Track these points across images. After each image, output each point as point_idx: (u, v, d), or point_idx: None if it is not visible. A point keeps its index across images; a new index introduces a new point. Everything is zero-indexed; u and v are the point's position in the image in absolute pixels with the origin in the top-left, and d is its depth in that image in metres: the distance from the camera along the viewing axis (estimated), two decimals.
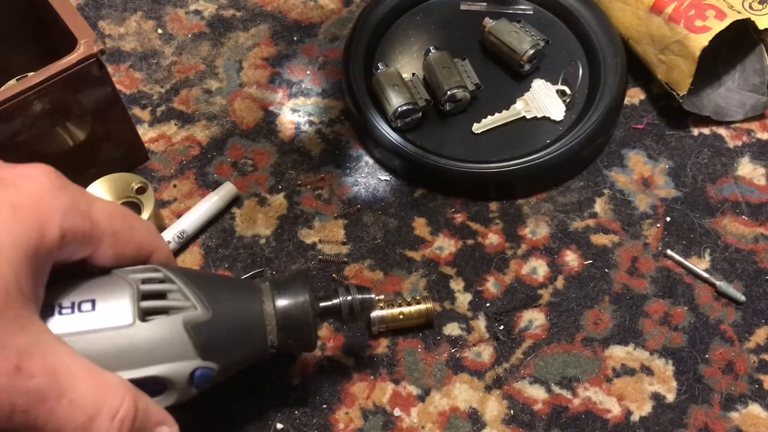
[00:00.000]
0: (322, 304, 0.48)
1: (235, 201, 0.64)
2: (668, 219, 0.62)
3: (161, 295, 0.41)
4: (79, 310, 0.39)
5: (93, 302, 0.39)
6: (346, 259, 0.60)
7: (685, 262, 0.59)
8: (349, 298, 0.48)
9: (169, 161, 0.66)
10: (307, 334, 0.46)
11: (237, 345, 0.44)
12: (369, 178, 0.65)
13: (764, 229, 0.61)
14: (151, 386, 0.40)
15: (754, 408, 0.54)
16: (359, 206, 0.63)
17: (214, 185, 0.64)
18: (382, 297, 0.50)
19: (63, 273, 0.39)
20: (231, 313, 0.43)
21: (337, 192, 0.64)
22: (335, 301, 0.48)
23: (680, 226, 0.62)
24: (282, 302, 0.45)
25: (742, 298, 0.58)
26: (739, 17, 0.62)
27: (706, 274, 0.59)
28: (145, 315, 0.40)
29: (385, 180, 0.65)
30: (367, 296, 0.48)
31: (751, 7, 0.65)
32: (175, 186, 0.65)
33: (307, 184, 0.65)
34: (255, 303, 0.45)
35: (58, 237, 0.37)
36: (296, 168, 0.65)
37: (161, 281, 0.42)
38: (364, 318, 0.49)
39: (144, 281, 0.41)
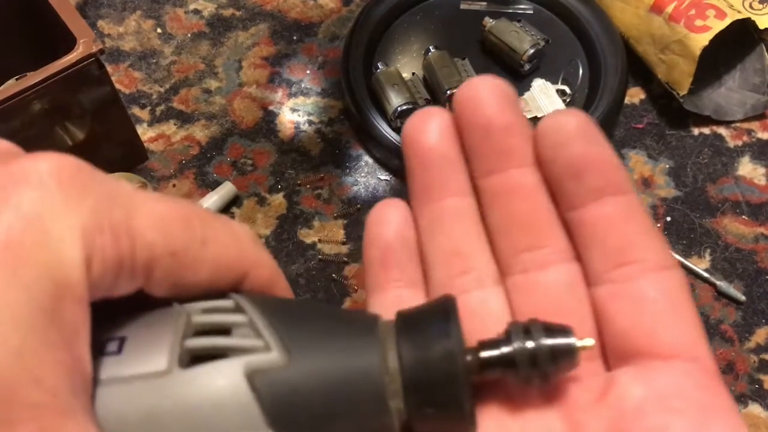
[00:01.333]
0: (483, 354, 0.27)
1: (234, 201, 0.64)
2: (668, 219, 0.62)
3: (224, 331, 0.27)
4: (101, 352, 0.26)
5: (121, 341, 0.26)
6: (346, 259, 0.60)
7: (686, 262, 0.59)
8: (530, 344, 0.27)
9: (168, 161, 0.66)
10: (454, 399, 0.27)
11: (338, 412, 0.27)
12: (369, 177, 0.65)
13: (764, 228, 0.61)
14: None
15: (754, 408, 0.54)
16: (359, 206, 0.63)
17: (214, 185, 0.64)
18: (587, 344, 0.27)
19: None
20: (325, 359, 0.27)
21: (336, 192, 0.64)
22: (505, 349, 0.27)
23: (680, 225, 0.62)
24: (412, 348, 0.27)
25: (743, 298, 0.58)
26: (740, 17, 0.62)
27: (706, 274, 0.59)
28: (192, 360, 0.26)
29: (385, 180, 0.65)
30: (562, 341, 0.27)
31: (751, 7, 0.65)
32: (174, 186, 0.65)
33: (307, 183, 0.64)
34: (367, 345, 0.27)
35: (80, 276, 0.23)
36: (296, 168, 0.65)
37: (230, 311, 0.27)
38: (555, 374, 0.28)
39: (205, 311, 0.27)
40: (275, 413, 0.26)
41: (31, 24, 0.61)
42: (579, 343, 0.27)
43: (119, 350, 0.26)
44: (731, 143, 0.66)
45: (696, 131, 0.66)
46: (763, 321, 0.57)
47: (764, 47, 0.66)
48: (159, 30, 0.74)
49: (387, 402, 0.27)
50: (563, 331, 0.28)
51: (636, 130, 0.67)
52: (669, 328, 0.26)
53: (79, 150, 0.60)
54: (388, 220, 0.31)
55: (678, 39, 0.63)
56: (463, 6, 0.72)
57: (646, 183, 0.64)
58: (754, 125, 0.67)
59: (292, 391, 0.26)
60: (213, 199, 0.62)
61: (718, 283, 0.58)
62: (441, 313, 0.28)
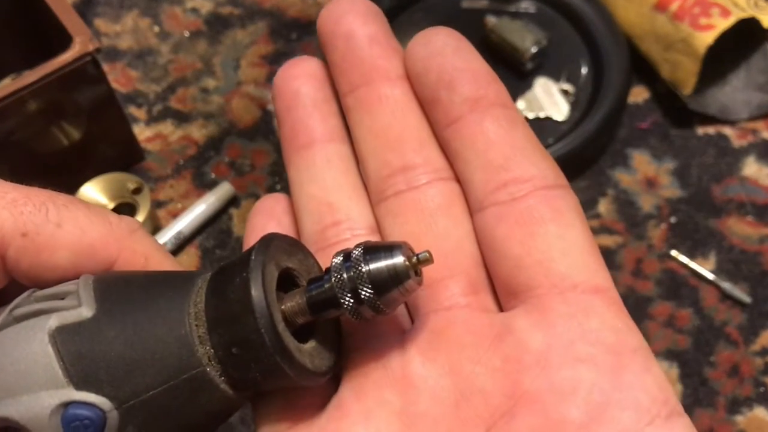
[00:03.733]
0: (313, 291, 0.25)
1: (232, 201, 0.63)
2: (673, 220, 0.61)
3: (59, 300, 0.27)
4: None
5: None
6: None
7: (690, 264, 0.59)
8: (346, 276, 0.24)
9: (165, 161, 0.65)
10: (255, 336, 0.24)
11: (142, 364, 0.25)
12: None
13: None
14: None
15: (759, 411, 0.53)
16: None
17: (211, 185, 0.63)
18: (425, 255, 0.23)
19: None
20: (131, 308, 0.25)
21: None
22: (326, 285, 0.25)
23: (685, 226, 0.61)
24: (216, 288, 0.26)
25: (748, 299, 0.57)
26: (744, 15, 0.61)
27: (711, 276, 0.58)
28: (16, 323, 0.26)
29: None
30: (384, 264, 0.24)
31: (756, 5, 0.64)
32: (171, 186, 0.64)
33: None
34: (178, 293, 0.26)
35: None
36: None
37: (72, 284, 0.27)
38: (389, 304, 0.24)
39: (54, 287, 0.27)
40: (75, 368, 0.25)
41: (26, 22, 0.60)
42: (409, 261, 0.24)
43: None
44: (736, 143, 0.65)
45: (701, 131, 0.66)
46: None
47: None
48: (156, 28, 0.73)
49: (194, 347, 0.25)
50: (388, 249, 0.24)
51: (640, 130, 0.66)
52: (564, 253, 0.22)
53: (76, 149, 0.59)
54: (271, 209, 0.30)
55: (682, 38, 0.62)
56: (464, 4, 0.71)
57: (650, 183, 0.63)
58: (759, 125, 0.66)
59: (93, 341, 0.25)
60: (211, 200, 0.61)
61: (723, 284, 0.58)
62: (248, 251, 0.26)
